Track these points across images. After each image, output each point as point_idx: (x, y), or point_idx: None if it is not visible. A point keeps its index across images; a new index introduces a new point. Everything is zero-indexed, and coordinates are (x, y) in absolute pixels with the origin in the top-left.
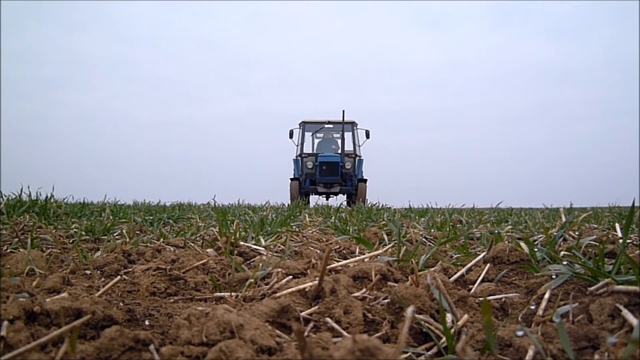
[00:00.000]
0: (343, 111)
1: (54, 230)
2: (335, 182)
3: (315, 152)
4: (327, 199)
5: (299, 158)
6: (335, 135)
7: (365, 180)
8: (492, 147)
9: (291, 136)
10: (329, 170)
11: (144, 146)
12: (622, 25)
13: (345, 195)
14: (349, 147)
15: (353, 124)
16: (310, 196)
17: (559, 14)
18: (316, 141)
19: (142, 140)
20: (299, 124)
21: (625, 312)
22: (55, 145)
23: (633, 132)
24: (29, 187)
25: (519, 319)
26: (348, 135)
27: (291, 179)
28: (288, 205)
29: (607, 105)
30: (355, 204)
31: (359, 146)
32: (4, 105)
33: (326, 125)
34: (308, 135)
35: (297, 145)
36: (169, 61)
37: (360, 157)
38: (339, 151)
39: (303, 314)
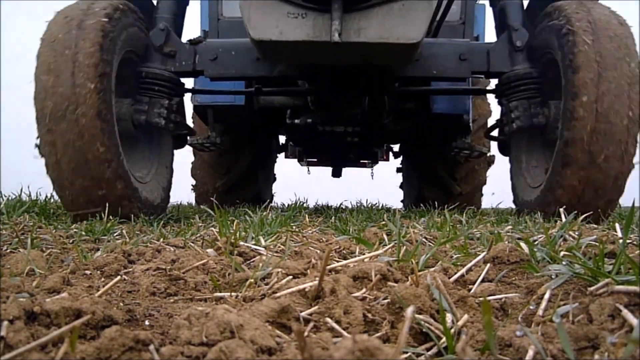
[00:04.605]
0: None
1: (54, 230)
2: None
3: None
4: (335, 172)
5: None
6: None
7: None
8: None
9: None
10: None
11: None
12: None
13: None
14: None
15: None
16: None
17: None
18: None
19: None
20: None
21: (625, 312)
22: None
23: None
24: (29, 187)
25: (519, 319)
26: None
27: (195, 106)
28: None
29: None
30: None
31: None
32: (4, 105)
33: None
34: None
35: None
36: None
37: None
38: None
39: (303, 314)
